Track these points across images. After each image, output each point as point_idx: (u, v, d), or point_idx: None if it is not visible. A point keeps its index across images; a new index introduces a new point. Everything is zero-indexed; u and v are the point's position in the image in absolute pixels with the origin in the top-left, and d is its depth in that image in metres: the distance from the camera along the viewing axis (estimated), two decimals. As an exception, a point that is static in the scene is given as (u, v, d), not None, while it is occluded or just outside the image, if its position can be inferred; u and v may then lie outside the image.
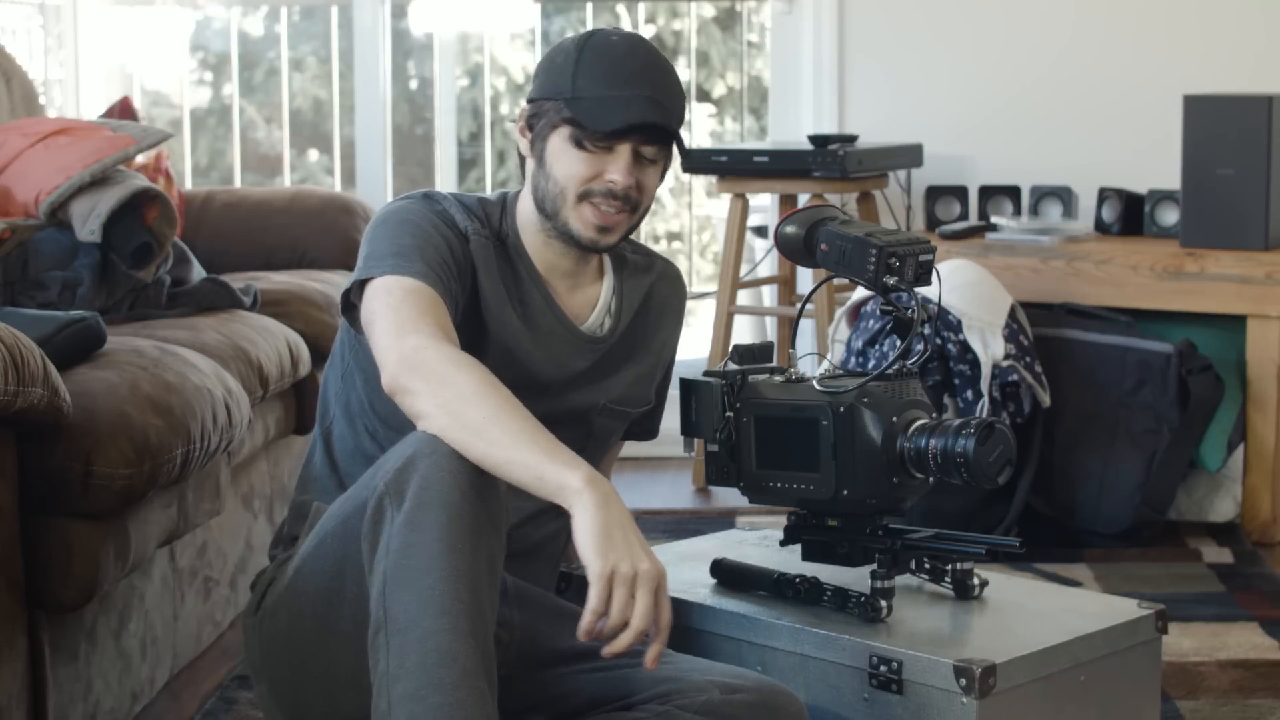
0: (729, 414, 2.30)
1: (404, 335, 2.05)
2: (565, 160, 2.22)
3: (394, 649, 1.88)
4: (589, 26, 6.19)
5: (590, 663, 2.16)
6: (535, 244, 2.29)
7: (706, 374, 2.35)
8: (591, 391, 2.33)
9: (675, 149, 2.26)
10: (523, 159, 2.30)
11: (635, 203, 2.24)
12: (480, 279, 2.22)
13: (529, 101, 2.26)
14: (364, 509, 1.98)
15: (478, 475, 1.96)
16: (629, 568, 1.92)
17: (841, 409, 2.19)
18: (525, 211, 2.29)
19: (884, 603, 2.26)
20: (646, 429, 2.51)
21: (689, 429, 2.35)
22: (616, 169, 2.21)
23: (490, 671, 1.90)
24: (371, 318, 2.12)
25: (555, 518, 2.28)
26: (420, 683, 1.85)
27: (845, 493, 2.21)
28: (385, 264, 2.14)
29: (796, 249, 2.33)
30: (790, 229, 2.33)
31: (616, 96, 2.19)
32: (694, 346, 6.36)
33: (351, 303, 2.20)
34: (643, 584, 1.93)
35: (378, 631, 1.91)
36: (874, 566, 2.27)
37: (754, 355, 2.36)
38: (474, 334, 2.21)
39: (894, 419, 2.20)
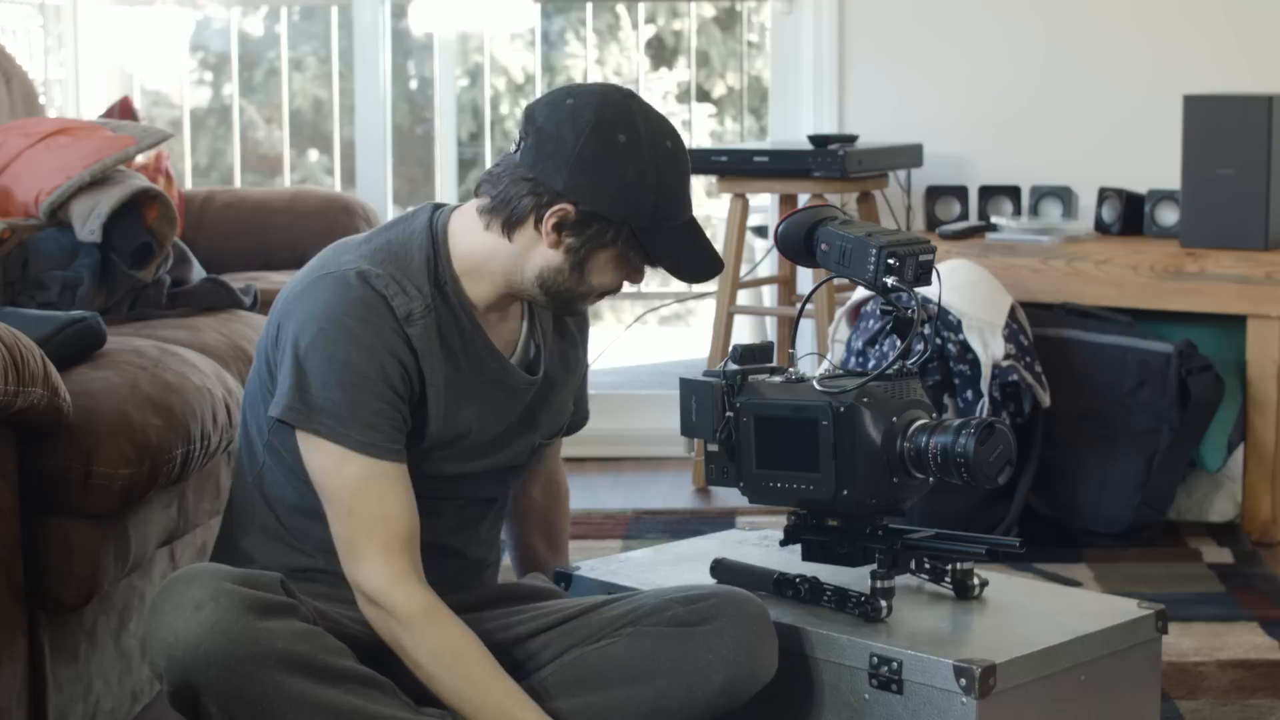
0: (729, 414, 2.30)
1: (358, 562, 2.16)
2: (610, 273, 2.22)
3: None
4: (589, 26, 6.17)
5: (546, 626, 2.28)
6: (480, 289, 2.25)
7: (706, 374, 2.35)
8: (529, 433, 2.35)
9: None
10: (511, 220, 2.20)
11: None
12: (423, 362, 2.20)
13: (575, 206, 2.15)
14: None
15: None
16: None
17: (841, 409, 2.20)
18: (473, 255, 2.23)
19: (884, 603, 2.26)
20: (577, 421, 2.52)
21: (689, 429, 2.35)
22: (640, 276, 2.27)
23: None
24: (323, 494, 2.19)
25: (489, 531, 2.40)
26: None
27: (845, 493, 2.21)
28: (323, 422, 2.16)
29: (796, 249, 2.33)
30: (790, 229, 2.33)
31: (687, 230, 2.22)
32: (694, 346, 6.37)
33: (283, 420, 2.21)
34: None
35: None
36: (874, 566, 2.28)
37: (754, 355, 2.36)
38: (424, 412, 2.23)
39: (894, 419, 2.20)
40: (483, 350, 2.27)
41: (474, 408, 2.27)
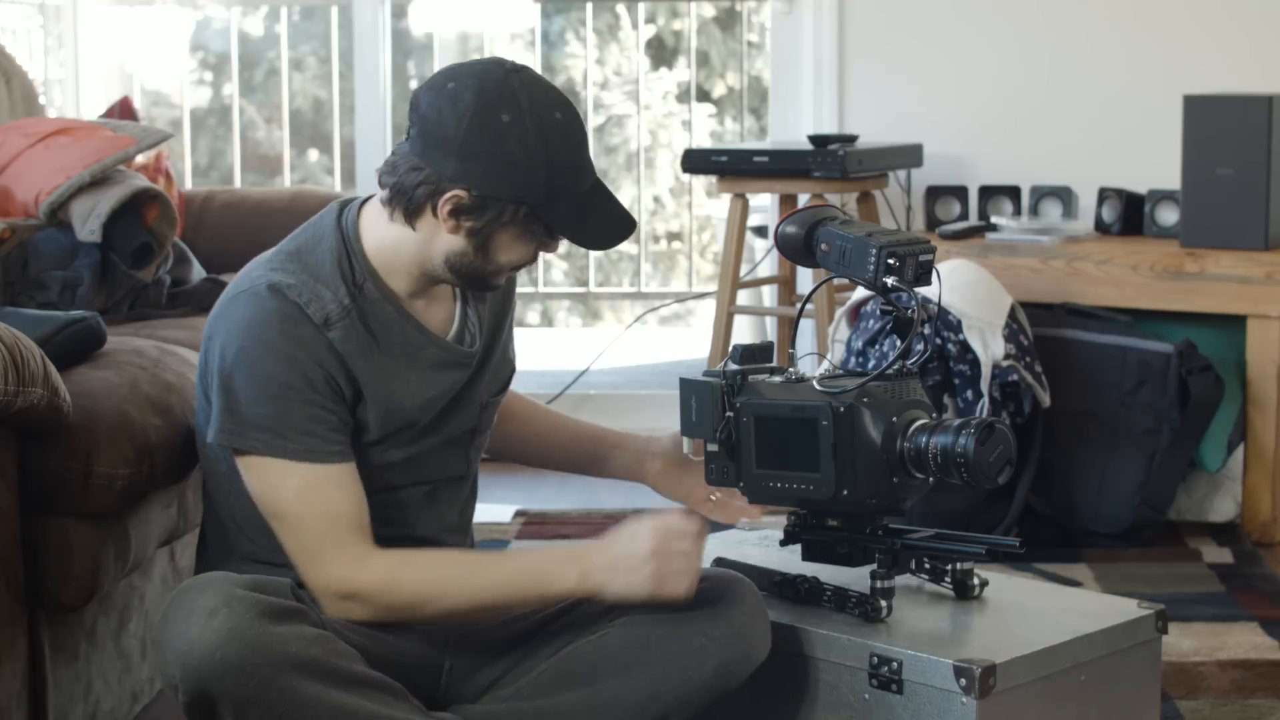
0: (729, 414, 2.30)
1: (320, 566, 2.16)
2: (517, 250, 2.21)
3: None
4: (589, 26, 6.18)
5: (537, 622, 2.28)
6: (399, 279, 2.24)
7: (706, 374, 2.35)
8: (474, 394, 2.34)
9: None
10: (410, 210, 2.18)
11: None
12: (350, 363, 2.19)
13: (468, 191, 2.14)
14: None
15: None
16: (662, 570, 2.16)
17: (841, 409, 2.19)
18: (384, 247, 2.23)
19: (884, 603, 2.26)
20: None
21: (689, 429, 2.35)
22: (553, 246, 2.24)
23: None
24: (268, 513, 2.19)
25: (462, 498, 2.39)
26: None
27: (845, 493, 2.21)
28: (258, 438, 2.15)
29: (796, 249, 2.33)
30: (790, 229, 2.33)
31: (590, 198, 2.20)
32: (694, 346, 6.37)
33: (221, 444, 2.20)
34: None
35: None
36: (874, 566, 2.28)
37: (754, 355, 2.36)
38: (364, 409, 2.22)
39: (894, 419, 2.20)
40: (417, 337, 2.26)
41: (420, 394, 2.26)
